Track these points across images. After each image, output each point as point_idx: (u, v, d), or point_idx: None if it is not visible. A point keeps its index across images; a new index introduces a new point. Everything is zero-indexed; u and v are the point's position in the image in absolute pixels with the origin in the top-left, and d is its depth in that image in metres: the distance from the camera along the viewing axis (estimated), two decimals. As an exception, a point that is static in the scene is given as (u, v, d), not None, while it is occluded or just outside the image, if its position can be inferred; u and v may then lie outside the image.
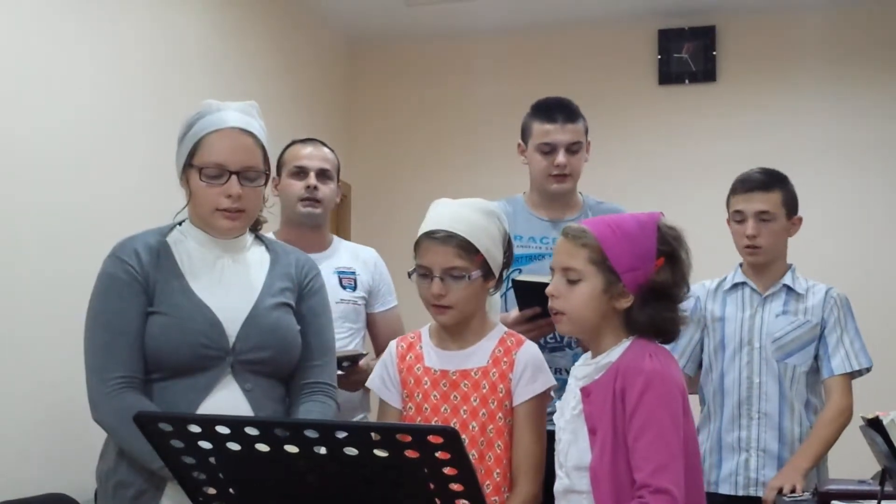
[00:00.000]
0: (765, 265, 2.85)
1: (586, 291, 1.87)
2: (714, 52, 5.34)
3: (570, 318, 1.91)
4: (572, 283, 1.88)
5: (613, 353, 1.88)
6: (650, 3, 5.24)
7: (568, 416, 1.94)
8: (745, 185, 2.82)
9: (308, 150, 2.90)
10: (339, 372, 2.57)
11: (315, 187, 2.83)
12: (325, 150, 2.95)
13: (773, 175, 2.85)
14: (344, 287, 2.88)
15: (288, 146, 2.97)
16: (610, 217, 1.97)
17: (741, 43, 5.33)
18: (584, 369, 1.93)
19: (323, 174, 2.87)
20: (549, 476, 2.16)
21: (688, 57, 5.37)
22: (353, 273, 2.90)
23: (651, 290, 1.86)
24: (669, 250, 1.89)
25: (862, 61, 5.17)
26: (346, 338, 2.81)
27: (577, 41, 5.52)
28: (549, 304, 1.94)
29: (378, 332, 3.00)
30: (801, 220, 2.87)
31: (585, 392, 1.89)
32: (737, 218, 2.83)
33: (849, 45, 5.19)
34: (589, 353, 1.96)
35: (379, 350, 2.98)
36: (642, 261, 1.86)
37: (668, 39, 5.39)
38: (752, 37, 5.32)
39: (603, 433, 1.81)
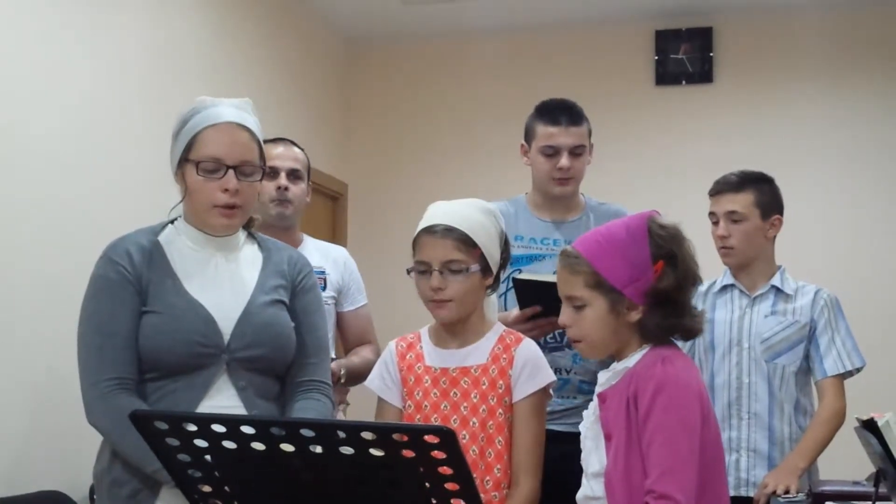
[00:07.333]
0: (744, 266, 2.86)
1: (593, 316, 1.86)
2: (711, 54, 5.34)
3: (587, 343, 1.91)
4: (579, 309, 1.87)
5: (631, 360, 1.87)
6: (647, 4, 5.25)
7: (589, 423, 1.94)
8: (717, 186, 2.89)
9: (279, 149, 2.88)
10: None
11: (286, 188, 2.83)
12: (296, 149, 2.94)
13: (747, 176, 2.86)
14: None
15: None
16: (601, 231, 1.93)
17: (738, 44, 5.33)
18: (605, 375, 1.93)
19: (293, 174, 2.87)
20: (546, 474, 2.17)
21: (685, 58, 5.37)
22: (323, 272, 2.87)
23: (657, 296, 1.84)
24: (666, 252, 1.85)
25: (858, 63, 5.17)
26: None
27: (573, 41, 5.52)
28: (567, 333, 1.94)
29: (348, 330, 2.98)
30: (780, 220, 2.87)
31: (602, 398, 1.89)
32: (712, 220, 2.89)
33: (845, 47, 5.19)
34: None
35: (348, 349, 2.99)
36: (640, 270, 1.83)
37: (665, 40, 5.39)
38: (749, 38, 5.33)
39: (617, 439, 1.80)
